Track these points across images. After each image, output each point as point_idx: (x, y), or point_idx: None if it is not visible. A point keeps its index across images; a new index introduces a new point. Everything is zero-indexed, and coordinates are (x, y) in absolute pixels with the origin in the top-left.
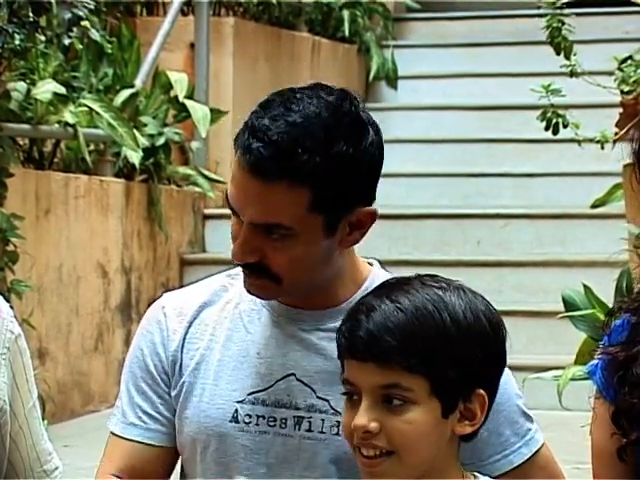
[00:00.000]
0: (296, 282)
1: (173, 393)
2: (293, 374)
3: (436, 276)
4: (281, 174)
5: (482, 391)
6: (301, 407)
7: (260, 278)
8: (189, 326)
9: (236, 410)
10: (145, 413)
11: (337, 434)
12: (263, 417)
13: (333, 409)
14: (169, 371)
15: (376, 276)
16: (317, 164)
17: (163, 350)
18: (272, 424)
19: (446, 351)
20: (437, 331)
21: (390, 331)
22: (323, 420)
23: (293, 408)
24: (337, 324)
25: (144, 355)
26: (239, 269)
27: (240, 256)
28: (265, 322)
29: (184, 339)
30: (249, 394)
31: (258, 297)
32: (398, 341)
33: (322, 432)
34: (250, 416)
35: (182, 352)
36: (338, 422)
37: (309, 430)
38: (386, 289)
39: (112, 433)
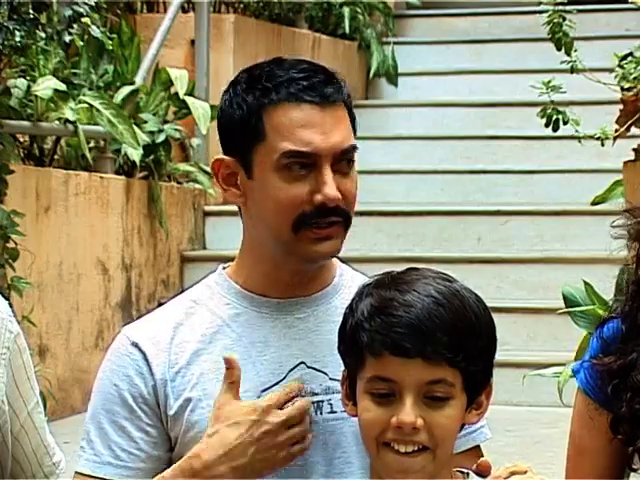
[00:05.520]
0: (351, 216)
1: (171, 413)
2: (303, 362)
3: (425, 268)
4: (339, 97)
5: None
6: (318, 392)
7: (339, 221)
8: (170, 347)
9: None
10: (123, 450)
11: None
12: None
13: None
14: (154, 400)
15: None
16: (343, 87)
17: (142, 380)
18: None
19: (478, 344)
20: (471, 324)
21: (439, 327)
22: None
23: (310, 394)
24: (330, 306)
25: (120, 390)
26: (201, 292)
27: (336, 194)
28: (255, 321)
29: (169, 361)
30: (263, 391)
31: (327, 256)
32: (448, 337)
33: (345, 411)
34: None
35: (173, 374)
36: None
37: (332, 412)
38: (401, 282)
39: (80, 474)
